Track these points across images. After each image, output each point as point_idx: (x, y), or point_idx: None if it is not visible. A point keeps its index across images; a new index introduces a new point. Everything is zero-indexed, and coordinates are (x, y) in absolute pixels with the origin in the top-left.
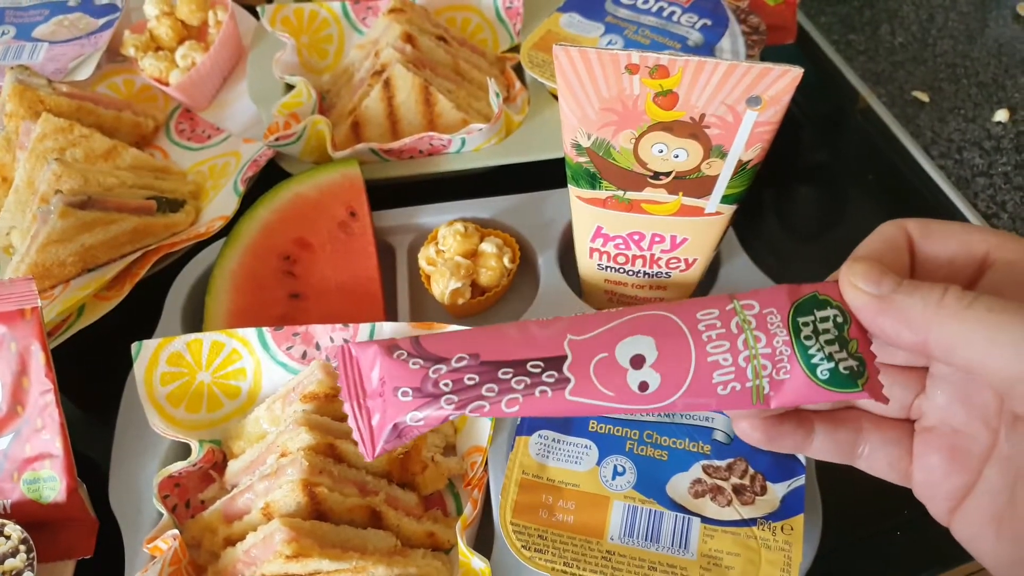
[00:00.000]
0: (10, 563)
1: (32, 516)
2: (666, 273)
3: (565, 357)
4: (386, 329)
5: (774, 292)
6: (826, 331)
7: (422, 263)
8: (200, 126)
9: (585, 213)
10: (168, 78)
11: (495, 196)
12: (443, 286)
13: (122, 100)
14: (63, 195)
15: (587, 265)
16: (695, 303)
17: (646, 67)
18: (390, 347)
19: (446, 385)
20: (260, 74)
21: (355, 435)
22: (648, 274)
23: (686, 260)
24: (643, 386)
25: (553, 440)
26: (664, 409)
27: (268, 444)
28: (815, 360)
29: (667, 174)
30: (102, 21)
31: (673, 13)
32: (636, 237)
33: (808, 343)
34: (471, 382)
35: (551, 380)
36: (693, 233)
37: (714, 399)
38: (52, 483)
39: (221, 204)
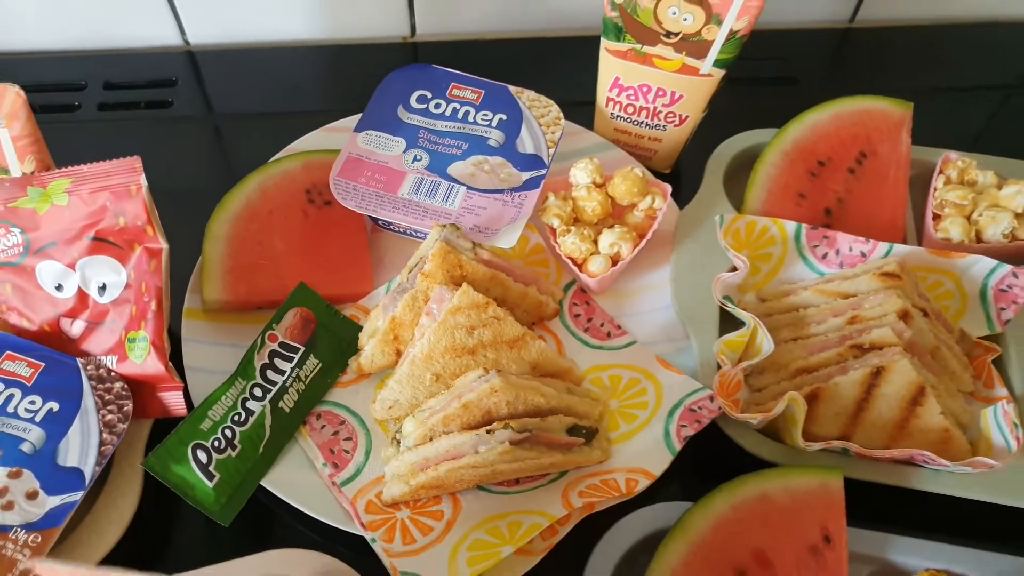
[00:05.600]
0: None
1: None
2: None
3: None
4: None
5: None
6: None
7: None
8: (599, 316)
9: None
10: (587, 263)
11: (983, 550)
12: None
13: (531, 274)
14: (513, 431)
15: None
16: None
17: None
18: None
19: None
20: (685, 283)
21: None
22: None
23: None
24: None
25: None
26: None
27: None
28: None
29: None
30: (526, 176)
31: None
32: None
33: None
34: None
35: None
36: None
37: None
38: None
39: (644, 452)
